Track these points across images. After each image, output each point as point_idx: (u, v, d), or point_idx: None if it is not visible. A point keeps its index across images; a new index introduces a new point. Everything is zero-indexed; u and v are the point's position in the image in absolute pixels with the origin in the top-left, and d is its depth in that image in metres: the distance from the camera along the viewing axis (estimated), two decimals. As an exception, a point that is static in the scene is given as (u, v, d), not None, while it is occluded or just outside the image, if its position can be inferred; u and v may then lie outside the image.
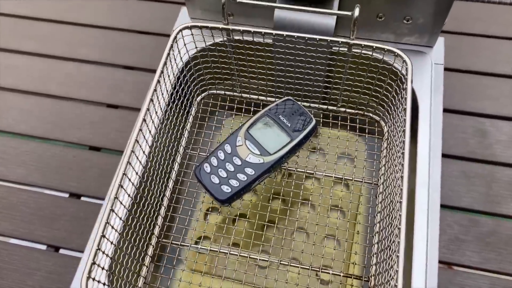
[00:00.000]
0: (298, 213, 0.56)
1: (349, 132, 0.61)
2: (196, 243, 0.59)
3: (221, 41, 0.54)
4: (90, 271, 0.39)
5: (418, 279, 0.44)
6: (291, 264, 0.54)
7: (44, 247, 0.65)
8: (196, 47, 0.53)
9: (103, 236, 0.41)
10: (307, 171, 0.58)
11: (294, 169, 0.58)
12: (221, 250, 0.56)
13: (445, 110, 0.72)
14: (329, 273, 0.53)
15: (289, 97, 0.51)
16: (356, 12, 0.43)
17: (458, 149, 0.69)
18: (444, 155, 0.69)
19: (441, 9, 0.51)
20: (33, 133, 0.75)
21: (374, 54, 0.46)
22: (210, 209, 0.63)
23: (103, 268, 0.42)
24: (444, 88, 0.74)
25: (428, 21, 0.52)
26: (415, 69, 0.55)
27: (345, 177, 0.57)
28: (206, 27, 0.49)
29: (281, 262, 0.54)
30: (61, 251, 0.65)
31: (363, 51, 0.47)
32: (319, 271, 0.54)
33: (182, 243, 0.56)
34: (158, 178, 0.54)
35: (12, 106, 0.78)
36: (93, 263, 0.40)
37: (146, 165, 0.51)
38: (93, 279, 0.40)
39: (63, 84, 0.80)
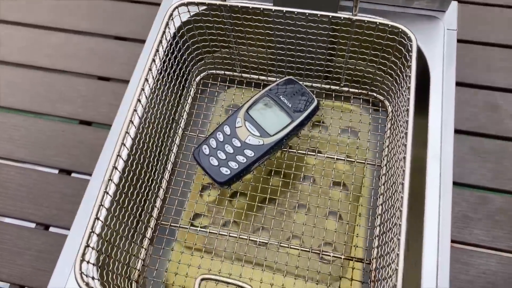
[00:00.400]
0: (299, 191, 0.53)
1: (353, 105, 0.57)
2: (194, 224, 0.56)
3: (218, 14, 0.50)
4: (83, 254, 0.36)
5: (429, 259, 0.41)
6: (291, 246, 0.51)
7: (33, 225, 0.62)
8: (193, 24, 0.50)
9: (97, 218, 0.38)
10: (310, 147, 0.55)
11: (296, 145, 0.55)
12: (220, 232, 0.53)
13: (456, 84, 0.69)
14: (330, 255, 0.51)
15: (290, 77, 0.49)
16: None
17: (468, 124, 0.66)
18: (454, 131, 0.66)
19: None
20: (21, 106, 0.72)
21: (377, 31, 0.44)
22: (209, 190, 0.60)
23: (97, 250, 0.39)
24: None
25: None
26: (426, 36, 0.51)
27: (348, 158, 0.54)
28: (203, 3, 0.46)
29: (281, 245, 0.52)
30: (51, 229, 0.62)
31: (366, 27, 0.44)
32: (319, 253, 0.51)
33: (181, 225, 0.53)
34: (156, 160, 0.51)
35: (-2, 78, 0.74)
36: (87, 245, 0.37)
37: (142, 147, 0.47)
38: (88, 262, 0.37)
39: (51, 56, 0.76)
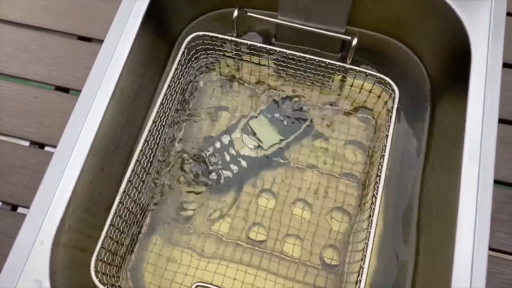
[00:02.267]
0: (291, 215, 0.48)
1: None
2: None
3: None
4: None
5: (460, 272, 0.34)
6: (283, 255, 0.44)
7: (-1, 205, 0.55)
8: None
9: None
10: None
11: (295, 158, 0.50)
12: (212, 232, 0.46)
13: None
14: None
15: (289, 94, 0.52)
16: (354, 41, 0.44)
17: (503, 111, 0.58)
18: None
19: None
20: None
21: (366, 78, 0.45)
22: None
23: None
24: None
25: None
26: (469, 6, 0.42)
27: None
28: (217, 37, 0.47)
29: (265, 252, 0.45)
30: (20, 209, 0.54)
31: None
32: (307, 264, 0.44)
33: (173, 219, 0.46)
34: (154, 153, 0.44)
35: (-40, 32, 0.65)
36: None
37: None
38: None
39: (23, 10, 0.66)
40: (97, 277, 0.35)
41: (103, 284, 0.35)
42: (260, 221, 0.48)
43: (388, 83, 0.43)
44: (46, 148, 0.58)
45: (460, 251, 0.37)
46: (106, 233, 0.37)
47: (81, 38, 0.64)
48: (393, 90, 0.43)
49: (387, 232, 0.47)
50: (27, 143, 0.59)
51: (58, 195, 0.36)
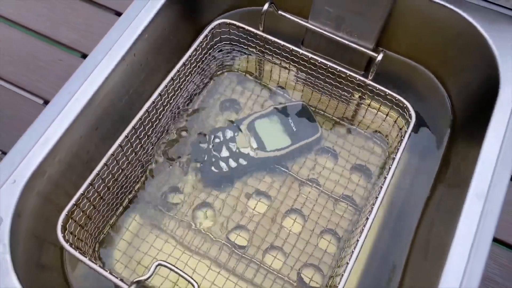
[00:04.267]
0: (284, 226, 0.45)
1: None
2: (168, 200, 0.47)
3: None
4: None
5: None
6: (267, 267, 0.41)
7: None
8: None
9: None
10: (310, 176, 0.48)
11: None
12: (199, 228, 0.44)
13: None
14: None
15: (303, 102, 0.51)
16: (380, 56, 0.43)
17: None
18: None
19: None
20: (23, 22, 0.64)
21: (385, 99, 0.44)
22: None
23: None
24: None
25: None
26: (503, 39, 0.40)
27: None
28: (243, 28, 0.45)
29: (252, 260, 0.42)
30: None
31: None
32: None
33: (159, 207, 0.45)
34: (153, 127, 0.43)
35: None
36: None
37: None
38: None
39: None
40: (62, 232, 0.34)
41: (66, 241, 0.34)
42: (245, 224, 0.45)
43: (406, 107, 0.41)
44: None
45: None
46: (84, 192, 0.36)
47: (118, 13, 0.65)
48: (410, 115, 0.40)
49: (375, 260, 0.44)
50: (41, 101, 0.59)
51: (43, 140, 0.35)
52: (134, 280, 0.32)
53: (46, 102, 0.59)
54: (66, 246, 0.34)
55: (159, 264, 0.33)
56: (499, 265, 0.51)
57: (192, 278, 0.33)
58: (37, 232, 0.36)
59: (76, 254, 0.33)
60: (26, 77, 0.60)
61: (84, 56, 0.62)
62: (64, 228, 0.35)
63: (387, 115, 0.46)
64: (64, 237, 0.34)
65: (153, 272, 0.33)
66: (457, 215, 0.36)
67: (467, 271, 0.34)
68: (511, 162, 0.35)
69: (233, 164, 0.47)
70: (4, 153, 0.54)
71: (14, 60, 0.61)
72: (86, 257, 0.34)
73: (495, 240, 0.50)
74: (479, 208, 0.35)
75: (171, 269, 0.33)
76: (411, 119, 0.40)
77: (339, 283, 0.34)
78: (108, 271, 0.33)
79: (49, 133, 0.35)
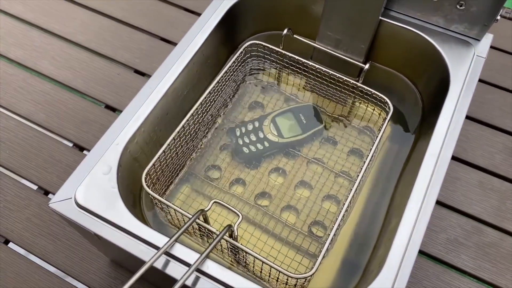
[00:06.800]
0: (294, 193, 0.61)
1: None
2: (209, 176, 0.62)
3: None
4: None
5: (392, 262, 0.44)
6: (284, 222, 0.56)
7: (70, 144, 0.70)
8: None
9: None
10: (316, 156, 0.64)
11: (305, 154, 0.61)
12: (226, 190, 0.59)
13: (481, 122, 0.73)
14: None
15: (312, 104, 0.67)
16: (366, 66, 0.59)
17: (482, 160, 0.70)
18: (466, 163, 0.70)
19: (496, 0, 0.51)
20: (87, 45, 0.81)
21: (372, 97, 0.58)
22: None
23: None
24: (484, 102, 0.75)
25: (481, 10, 0.53)
26: (456, 56, 0.56)
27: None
28: (268, 47, 0.62)
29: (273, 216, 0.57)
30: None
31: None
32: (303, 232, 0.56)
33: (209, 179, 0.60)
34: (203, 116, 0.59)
35: (75, 17, 0.84)
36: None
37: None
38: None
39: (125, 10, 0.85)
40: (145, 181, 0.49)
41: (148, 186, 0.48)
42: (268, 191, 0.60)
43: (386, 101, 0.56)
44: (116, 113, 0.74)
45: (393, 252, 0.45)
46: (159, 156, 0.51)
47: (163, 39, 0.82)
48: (389, 107, 0.56)
49: (368, 210, 0.59)
50: (103, 106, 0.75)
51: (135, 118, 0.51)
52: (199, 210, 0.47)
53: (107, 107, 0.75)
54: (148, 189, 0.48)
55: (215, 202, 0.47)
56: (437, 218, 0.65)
57: (237, 210, 0.47)
58: (129, 177, 0.51)
59: (154, 194, 0.48)
60: (92, 86, 0.76)
61: (136, 72, 0.79)
62: (145, 179, 0.49)
63: (373, 109, 0.62)
64: (146, 183, 0.49)
65: (210, 206, 0.47)
66: (412, 183, 0.50)
67: (416, 223, 0.48)
68: (456, 137, 0.51)
69: (260, 146, 0.62)
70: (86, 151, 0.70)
71: (85, 75, 0.77)
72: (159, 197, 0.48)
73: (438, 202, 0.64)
74: (428, 178, 0.50)
75: (223, 205, 0.47)
76: (389, 110, 0.56)
77: (337, 229, 0.47)
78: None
79: (139, 113, 0.51)
